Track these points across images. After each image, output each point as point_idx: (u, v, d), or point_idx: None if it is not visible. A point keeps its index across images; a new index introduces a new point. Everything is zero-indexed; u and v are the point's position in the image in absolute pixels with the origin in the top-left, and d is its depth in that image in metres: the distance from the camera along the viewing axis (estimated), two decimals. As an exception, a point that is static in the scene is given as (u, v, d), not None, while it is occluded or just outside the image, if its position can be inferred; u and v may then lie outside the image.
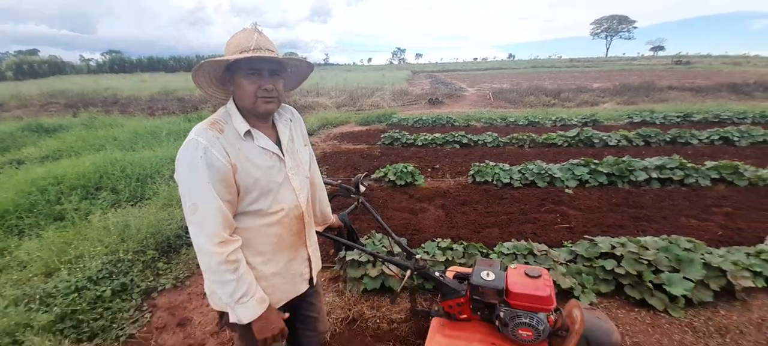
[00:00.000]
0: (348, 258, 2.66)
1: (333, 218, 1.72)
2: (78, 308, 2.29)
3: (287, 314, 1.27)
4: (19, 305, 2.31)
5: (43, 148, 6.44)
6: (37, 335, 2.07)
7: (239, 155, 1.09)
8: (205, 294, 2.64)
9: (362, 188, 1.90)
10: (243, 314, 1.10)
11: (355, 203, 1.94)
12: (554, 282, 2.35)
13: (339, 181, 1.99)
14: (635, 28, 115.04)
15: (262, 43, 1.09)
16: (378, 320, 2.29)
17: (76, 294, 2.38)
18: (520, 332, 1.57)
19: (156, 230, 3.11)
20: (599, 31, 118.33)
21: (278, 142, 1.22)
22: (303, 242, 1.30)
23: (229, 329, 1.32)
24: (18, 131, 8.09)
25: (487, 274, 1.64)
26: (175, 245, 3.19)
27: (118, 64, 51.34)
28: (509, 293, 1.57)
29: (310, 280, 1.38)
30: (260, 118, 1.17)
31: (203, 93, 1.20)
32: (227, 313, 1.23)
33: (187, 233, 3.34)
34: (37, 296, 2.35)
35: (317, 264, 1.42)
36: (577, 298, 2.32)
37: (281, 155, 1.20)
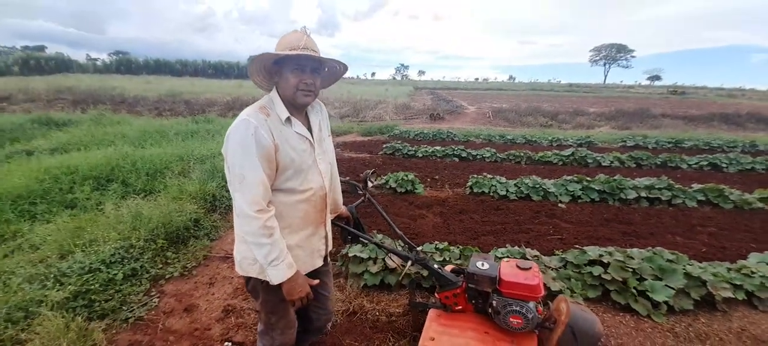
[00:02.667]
0: (350, 254, 2.80)
1: (343, 209, 1.87)
2: (91, 288, 2.40)
3: (316, 281, 1.42)
4: (33, 282, 2.42)
5: (52, 141, 6.59)
6: (51, 311, 2.18)
7: (281, 137, 1.28)
8: (210, 283, 2.77)
9: (370, 184, 2.07)
10: (274, 275, 1.27)
11: (362, 197, 2.10)
12: (545, 285, 2.50)
13: (347, 178, 2.15)
14: (633, 57, 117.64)
15: (309, 44, 1.28)
16: (377, 313, 2.41)
17: (90, 275, 2.50)
18: (511, 319, 1.71)
19: (166, 220, 3.23)
20: (598, 58, 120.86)
21: (310, 130, 1.41)
22: (323, 221, 1.48)
23: (252, 294, 1.47)
24: (28, 123, 8.24)
25: (482, 264, 1.79)
26: (183, 237, 3.31)
27: (124, 65, 51.94)
28: (501, 282, 1.72)
29: (325, 257, 1.53)
30: (298, 108, 1.37)
31: (251, 80, 1.38)
32: (252, 279, 1.39)
33: (195, 225, 3.49)
34: (52, 275, 2.47)
35: (331, 244, 1.59)
36: (566, 300, 2.46)
37: (312, 141, 1.40)
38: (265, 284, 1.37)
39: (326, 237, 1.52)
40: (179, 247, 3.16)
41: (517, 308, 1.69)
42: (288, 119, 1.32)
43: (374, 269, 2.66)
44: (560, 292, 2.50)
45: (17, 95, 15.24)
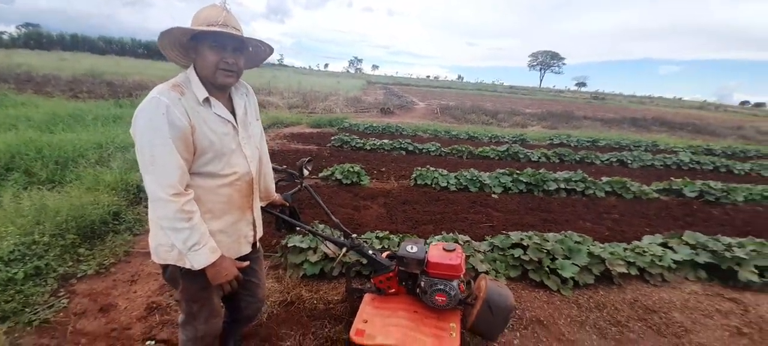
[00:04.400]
0: (290, 245, 2.77)
1: (276, 196, 1.84)
2: (-17, 288, 2.09)
3: (246, 263, 1.38)
4: None
5: (-70, 123, 5.48)
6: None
7: (198, 118, 1.21)
8: (132, 281, 2.57)
9: (306, 172, 2.06)
10: (195, 260, 1.21)
11: (299, 185, 2.09)
12: (473, 266, 2.72)
13: (284, 166, 2.13)
14: (564, 64, 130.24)
15: (230, 21, 1.21)
16: (315, 302, 2.43)
17: (-20, 275, 2.17)
18: (436, 297, 1.85)
19: (78, 214, 2.90)
20: (535, 63, 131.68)
21: (233, 113, 1.35)
22: (250, 206, 1.43)
23: (170, 283, 1.40)
24: None
25: (411, 248, 1.90)
26: (99, 232, 3.00)
27: (34, 39, 44.47)
28: (428, 263, 1.85)
29: (254, 244, 1.51)
30: (218, 88, 1.29)
31: (166, 56, 1.29)
32: (169, 266, 1.32)
33: (115, 219, 3.20)
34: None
35: (260, 230, 1.55)
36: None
37: (235, 124, 1.33)
38: (184, 271, 1.30)
39: (254, 223, 1.47)
40: (95, 242, 2.86)
41: (442, 287, 1.83)
42: (207, 100, 1.24)
43: (314, 258, 2.67)
44: (486, 272, 2.74)
45: None
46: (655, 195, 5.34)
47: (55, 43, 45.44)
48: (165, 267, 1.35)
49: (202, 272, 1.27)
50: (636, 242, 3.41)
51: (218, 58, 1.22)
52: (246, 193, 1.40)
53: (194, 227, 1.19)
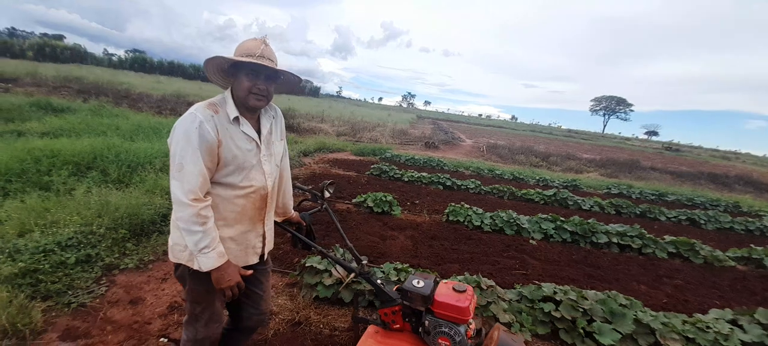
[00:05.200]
0: (307, 264, 2.80)
1: (294, 214, 1.91)
2: (40, 267, 2.40)
3: (250, 272, 1.46)
4: (-15, 255, 2.41)
5: (45, 125, 6.67)
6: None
7: (226, 134, 1.35)
8: (163, 279, 2.76)
9: (327, 194, 2.12)
10: (204, 262, 1.30)
11: (319, 206, 2.14)
12: (495, 316, 2.50)
13: (309, 187, 2.21)
14: (632, 110, 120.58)
15: (267, 53, 1.38)
16: (322, 326, 2.39)
17: (42, 255, 2.49)
18: (439, 340, 1.72)
19: (133, 212, 3.25)
20: (598, 108, 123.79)
21: (259, 132, 1.48)
22: (262, 219, 1.52)
23: (180, 281, 1.49)
24: (26, 106, 8.35)
25: (418, 282, 1.81)
26: (148, 230, 3.31)
27: (139, 63, 52.84)
28: (434, 301, 1.74)
29: (262, 256, 1.56)
30: (249, 110, 1.44)
31: (209, 78, 1.48)
32: (181, 266, 1.42)
33: (163, 220, 3.50)
34: (7, 250, 2.46)
35: (270, 244, 1.61)
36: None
37: (259, 142, 1.46)
38: (192, 272, 1.39)
39: (264, 236, 1.54)
40: (141, 239, 3.16)
41: (446, 330, 1.70)
42: (236, 119, 1.39)
43: (328, 281, 2.66)
44: (509, 324, 2.50)
45: (25, 79, 15.48)
46: (731, 263, 4.55)
47: (156, 68, 53.42)
48: (177, 266, 1.46)
49: (208, 275, 1.35)
50: (698, 315, 2.90)
51: (252, 84, 1.37)
52: (259, 206, 1.48)
53: (207, 232, 1.29)
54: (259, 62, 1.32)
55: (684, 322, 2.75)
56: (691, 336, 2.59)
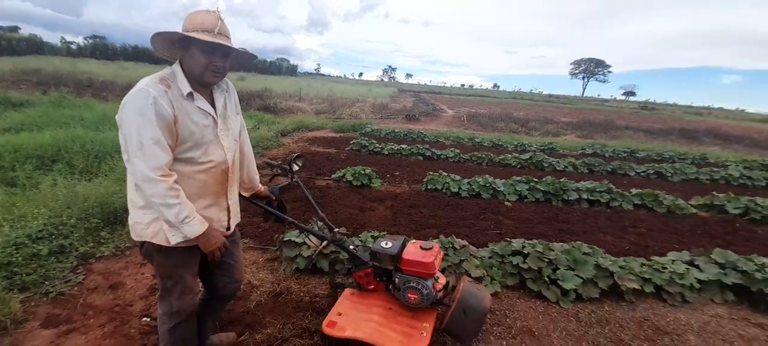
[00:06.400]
0: (285, 239, 2.86)
1: (262, 188, 1.93)
2: (12, 260, 2.37)
3: (229, 232, 1.55)
4: (-47, 254, 2.36)
5: (6, 121, 6.34)
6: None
7: (181, 110, 1.33)
8: (142, 264, 2.76)
9: (295, 167, 2.15)
10: (189, 231, 1.34)
11: (290, 179, 2.17)
12: (467, 272, 2.64)
13: (279, 161, 2.23)
14: (610, 72, 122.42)
15: (223, 30, 1.35)
16: (302, 295, 2.48)
17: (13, 248, 2.45)
18: (409, 295, 1.84)
19: (104, 201, 3.19)
20: (577, 71, 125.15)
21: (213, 107, 1.46)
22: (224, 193, 1.54)
23: (147, 258, 1.52)
24: (-20, 103, 7.87)
25: (386, 243, 1.90)
26: (122, 218, 3.26)
27: (100, 49, 49.51)
28: (402, 259, 1.83)
29: (228, 228, 1.59)
30: (203, 86, 1.42)
31: (154, 48, 1.43)
32: (145, 243, 1.44)
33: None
34: (-27, 247, 2.42)
35: (236, 217, 1.65)
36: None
37: (216, 117, 1.45)
38: (157, 247, 1.41)
39: (229, 209, 1.57)
40: (116, 227, 3.13)
41: (414, 285, 1.81)
42: (190, 94, 1.37)
43: (307, 252, 2.74)
44: (480, 278, 2.65)
45: (-23, 74, 14.45)
46: (693, 210, 4.87)
47: (119, 54, 50.30)
48: (142, 244, 1.47)
49: (174, 250, 1.39)
50: (656, 258, 3.13)
51: (208, 61, 1.35)
52: (221, 180, 1.50)
53: (183, 202, 1.31)
54: (218, 41, 1.30)
55: (642, 265, 2.97)
56: (647, 277, 2.81)
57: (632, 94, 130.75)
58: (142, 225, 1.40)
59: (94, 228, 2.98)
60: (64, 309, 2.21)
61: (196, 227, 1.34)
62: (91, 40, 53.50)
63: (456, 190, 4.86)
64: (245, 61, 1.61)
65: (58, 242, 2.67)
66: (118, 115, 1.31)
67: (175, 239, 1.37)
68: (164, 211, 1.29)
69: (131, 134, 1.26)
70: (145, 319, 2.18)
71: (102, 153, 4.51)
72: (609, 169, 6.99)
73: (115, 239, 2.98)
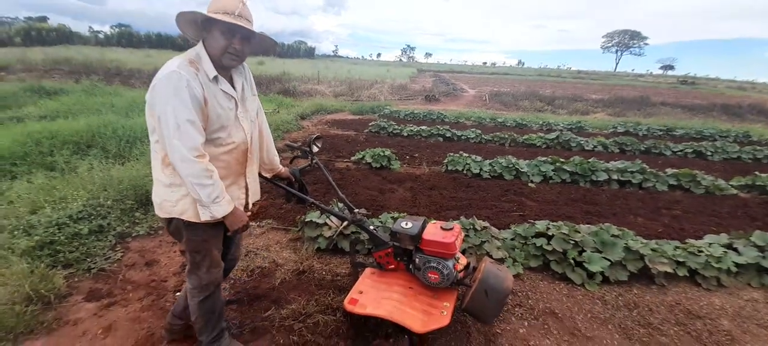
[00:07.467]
0: (307, 220, 2.91)
1: (282, 169, 1.95)
2: (56, 239, 2.54)
3: (249, 212, 1.61)
4: (2, 232, 2.56)
5: (42, 109, 6.71)
6: (18, 257, 2.33)
7: (210, 93, 1.37)
8: (174, 242, 2.89)
9: (315, 148, 2.15)
10: (217, 210, 1.39)
11: (310, 161, 2.19)
12: (489, 254, 2.61)
13: (299, 143, 2.25)
14: (646, 44, 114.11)
15: (245, 13, 1.36)
16: (324, 273, 2.54)
17: (56, 228, 2.63)
18: (429, 275, 1.83)
19: (137, 183, 3.35)
20: (610, 45, 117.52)
21: (234, 89, 1.49)
22: (243, 173, 1.58)
23: (174, 236, 1.59)
24: (21, 92, 8.36)
25: (406, 223, 1.89)
26: (153, 200, 3.44)
27: (126, 38, 51.31)
28: (422, 240, 1.82)
29: (246, 206, 1.63)
30: (223, 68, 1.44)
31: (179, 29, 1.44)
32: (173, 220, 1.50)
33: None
34: (21, 227, 2.61)
35: (255, 195, 1.69)
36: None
37: (238, 100, 1.49)
38: (186, 223, 1.47)
39: (247, 188, 1.62)
40: (148, 208, 3.28)
41: (435, 265, 1.80)
42: (216, 77, 1.39)
43: (328, 233, 2.78)
44: (502, 259, 2.61)
45: (15, 65, 15.31)
46: (733, 191, 4.56)
47: (144, 42, 51.88)
48: (169, 221, 1.53)
49: (203, 225, 1.45)
50: (692, 241, 2.97)
51: (227, 43, 1.36)
52: (241, 160, 1.55)
53: (216, 183, 1.36)
54: (236, 22, 1.30)
55: (676, 247, 2.83)
56: (681, 260, 2.68)
57: (671, 68, 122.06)
58: (171, 202, 1.45)
59: (129, 209, 3.14)
60: (105, 284, 2.37)
61: (223, 207, 1.39)
62: (117, 29, 55.30)
63: (477, 171, 4.76)
64: (267, 47, 1.62)
65: (97, 222, 2.84)
66: (149, 95, 1.35)
67: (204, 217, 1.41)
68: (199, 190, 1.33)
69: (167, 115, 1.28)
70: (178, 293, 2.29)
71: (132, 138, 4.71)
72: (642, 149, 6.62)
73: (148, 219, 3.14)
